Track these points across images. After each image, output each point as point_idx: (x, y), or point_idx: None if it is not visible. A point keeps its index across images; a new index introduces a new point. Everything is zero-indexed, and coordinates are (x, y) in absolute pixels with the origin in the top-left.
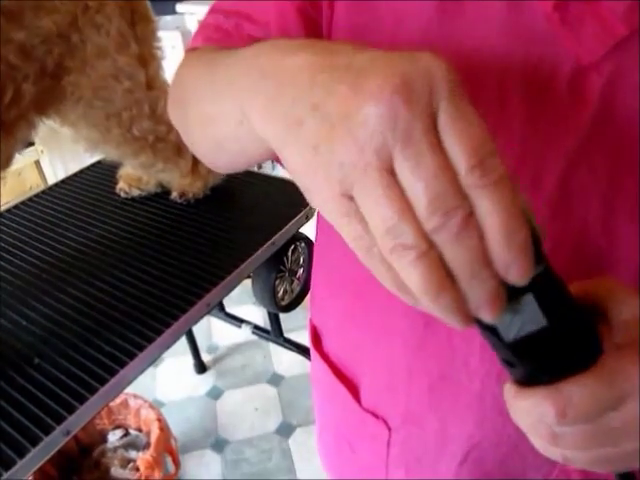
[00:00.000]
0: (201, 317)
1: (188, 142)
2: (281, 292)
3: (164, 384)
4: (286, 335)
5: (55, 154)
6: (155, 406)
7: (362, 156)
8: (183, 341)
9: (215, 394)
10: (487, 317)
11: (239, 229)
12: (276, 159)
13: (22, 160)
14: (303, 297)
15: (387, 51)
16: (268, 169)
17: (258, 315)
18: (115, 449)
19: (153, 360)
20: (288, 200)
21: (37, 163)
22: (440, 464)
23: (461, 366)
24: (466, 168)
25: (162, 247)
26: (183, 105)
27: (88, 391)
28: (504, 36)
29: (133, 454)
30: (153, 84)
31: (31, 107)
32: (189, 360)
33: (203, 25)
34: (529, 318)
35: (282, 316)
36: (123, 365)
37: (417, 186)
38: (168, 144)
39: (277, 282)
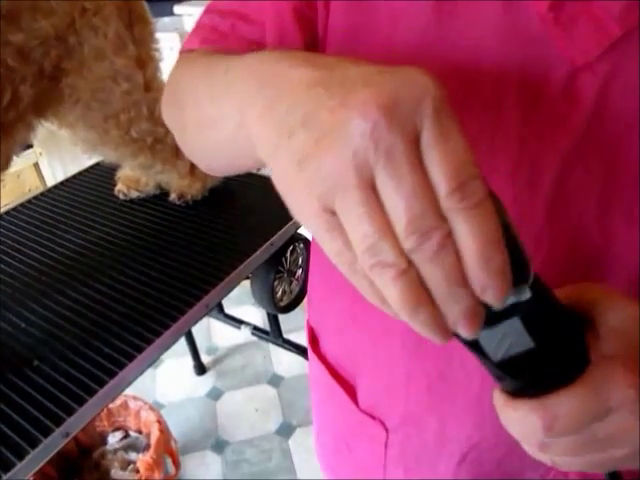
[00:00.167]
0: (200, 318)
1: (182, 144)
2: (280, 293)
3: (164, 385)
4: (285, 336)
5: (54, 156)
6: (155, 408)
7: (344, 172)
8: (183, 342)
9: (215, 395)
10: (464, 334)
11: (238, 230)
12: None
13: (21, 162)
14: (302, 298)
15: (381, 65)
16: (267, 170)
17: (257, 316)
18: (115, 451)
19: (152, 362)
20: None
21: (36, 165)
22: (438, 464)
23: (459, 367)
24: (445, 191)
25: (161, 248)
26: (179, 107)
27: (87, 393)
28: (500, 37)
29: (133, 456)
30: (151, 86)
31: (29, 109)
32: (189, 361)
33: (199, 25)
34: (516, 340)
35: (281, 317)
36: (122, 367)
37: (397, 205)
38: (166, 146)
39: (276, 283)
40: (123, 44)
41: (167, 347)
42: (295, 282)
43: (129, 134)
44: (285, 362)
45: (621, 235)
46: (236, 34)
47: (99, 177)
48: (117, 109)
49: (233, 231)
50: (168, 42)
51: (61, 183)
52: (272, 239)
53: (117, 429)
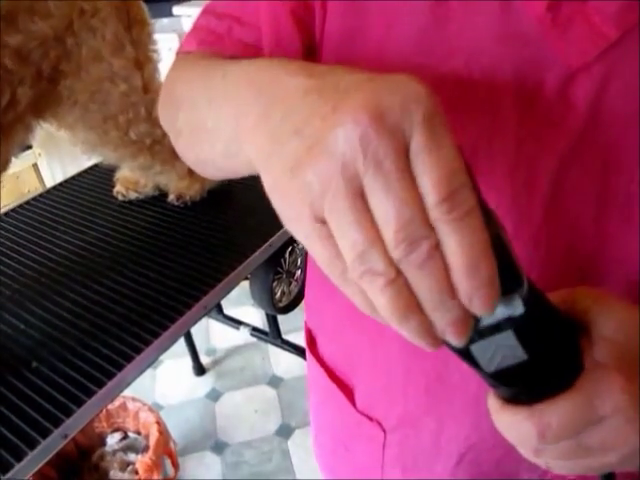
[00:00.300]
0: (199, 319)
1: (177, 147)
2: (279, 294)
3: (163, 387)
4: (284, 336)
5: (53, 157)
6: (154, 409)
7: (333, 179)
8: (182, 343)
9: (214, 396)
10: (453, 342)
11: (236, 231)
12: None
13: (20, 163)
14: (301, 298)
15: (374, 74)
16: None
17: (257, 316)
18: (114, 452)
19: (151, 363)
20: None
21: (35, 166)
22: (436, 465)
23: (456, 368)
24: (433, 201)
25: (159, 250)
26: (175, 110)
27: (86, 394)
28: (496, 39)
29: (132, 457)
30: (149, 87)
31: (28, 111)
32: (188, 362)
33: (196, 27)
34: (510, 353)
35: (280, 317)
36: (120, 368)
37: (386, 213)
38: (165, 147)
39: (275, 284)
40: (121, 45)
41: (166, 348)
42: (294, 283)
43: (128, 135)
44: (284, 363)
45: (617, 236)
46: (232, 37)
47: (98, 178)
48: (115, 110)
49: (232, 232)
50: (167, 43)
51: (60, 184)
52: (271, 240)
53: (116, 430)
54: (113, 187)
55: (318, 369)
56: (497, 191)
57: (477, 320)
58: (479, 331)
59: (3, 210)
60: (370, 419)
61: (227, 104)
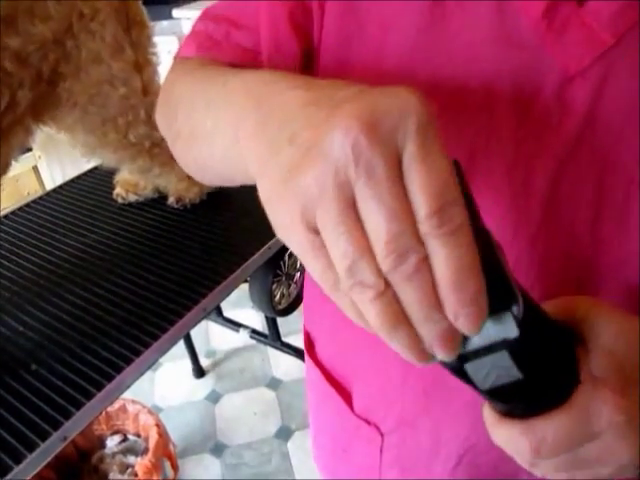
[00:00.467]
0: (198, 322)
1: (174, 152)
2: (278, 296)
3: (163, 389)
4: (284, 339)
5: (53, 160)
6: (153, 411)
7: (324, 187)
8: (181, 345)
9: (214, 398)
10: (440, 356)
11: (235, 233)
12: None
13: (20, 166)
14: (300, 301)
15: (370, 86)
16: None
17: (256, 319)
18: (114, 454)
19: (150, 365)
20: None
21: (35, 169)
22: (434, 467)
23: None
24: (424, 215)
25: (159, 252)
26: (173, 116)
27: (85, 396)
28: (492, 43)
29: (132, 459)
30: (149, 90)
31: (27, 113)
32: (187, 364)
33: (194, 32)
34: (504, 372)
35: (280, 320)
36: (120, 370)
37: (376, 224)
38: (164, 149)
39: (274, 286)
40: (120, 48)
41: (165, 351)
42: (293, 285)
43: (127, 138)
44: (284, 365)
45: (614, 239)
46: (231, 42)
47: (97, 181)
48: (115, 113)
49: (231, 234)
50: (166, 45)
51: (59, 187)
52: (270, 242)
53: (116, 433)
54: (113, 190)
55: (316, 372)
56: (495, 193)
57: (470, 339)
58: (473, 350)
59: (3, 213)
60: (368, 423)
61: (226, 111)
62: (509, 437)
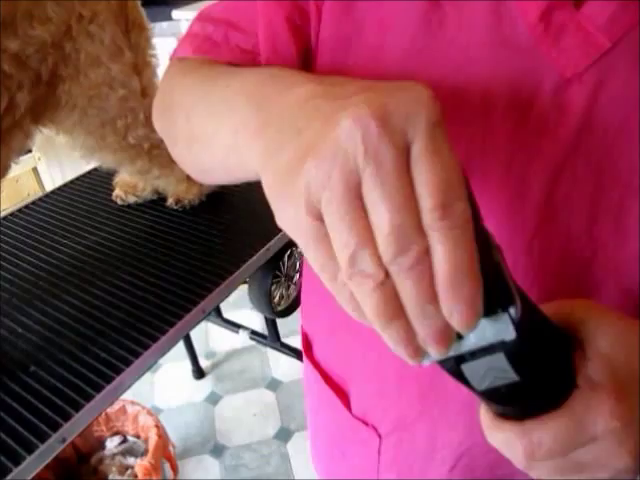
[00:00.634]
0: (197, 323)
1: (173, 152)
2: (277, 297)
3: (162, 390)
4: (283, 340)
5: (52, 161)
6: (153, 412)
7: (331, 175)
8: (181, 347)
9: (213, 399)
10: (432, 352)
11: (234, 235)
12: None
13: (20, 167)
14: (299, 302)
15: (378, 81)
16: None
17: (256, 320)
18: (113, 456)
19: (149, 367)
20: None
21: (34, 170)
22: (431, 469)
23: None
24: (429, 207)
25: (158, 253)
26: (171, 117)
27: (84, 398)
28: (489, 47)
29: (131, 461)
30: (148, 92)
31: (26, 116)
32: (187, 366)
33: (190, 33)
34: (501, 374)
35: (280, 321)
36: (119, 372)
37: (380, 214)
38: (163, 151)
39: (273, 287)
40: (119, 50)
41: (164, 352)
42: (292, 287)
43: (126, 140)
44: (283, 366)
45: (610, 244)
46: (229, 43)
47: (97, 182)
48: (114, 115)
49: (230, 235)
50: (166, 47)
51: (59, 188)
52: (269, 244)
53: (115, 434)
54: (112, 191)
55: (314, 373)
56: (491, 196)
57: (466, 339)
58: (470, 351)
59: (3, 214)
60: (365, 424)
61: (230, 110)
62: (504, 439)
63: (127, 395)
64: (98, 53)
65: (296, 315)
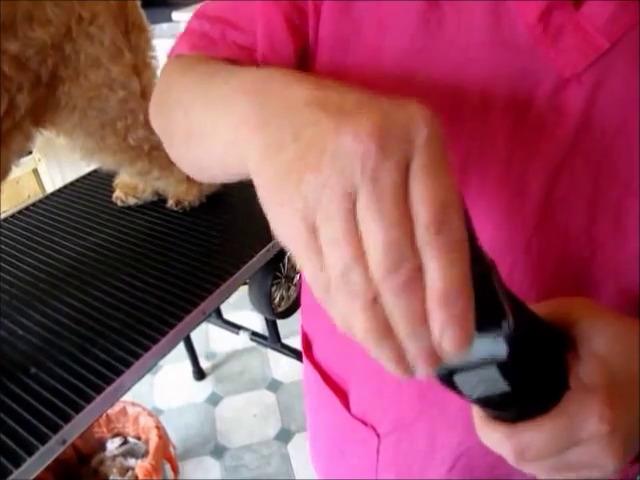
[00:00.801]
0: (197, 325)
1: (170, 151)
2: (277, 298)
3: (163, 391)
4: (284, 341)
5: (53, 162)
6: (154, 413)
7: (327, 190)
8: (181, 348)
9: (214, 400)
10: (421, 371)
11: (235, 236)
12: None
13: (20, 168)
14: (300, 303)
15: (375, 95)
16: None
17: (256, 321)
18: (114, 457)
19: (150, 368)
20: None
21: (35, 171)
22: (430, 469)
23: None
24: (424, 223)
25: (158, 255)
26: (169, 115)
27: (84, 400)
28: (488, 47)
29: (132, 462)
30: (148, 93)
31: (27, 117)
32: (188, 367)
33: (188, 30)
34: (493, 385)
35: (280, 322)
36: (119, 373)
37: (373, 232)
38: (163, 152)
39: (273, 289)
40: (119, 52)
41: (164, 354)
42: (293, 288)
43: (126, 141)
44: (284, 367)
45: (609, 244)
46: (226, 40)
47: (97, 184)
48: (114, 116)
49: (230, 237)
50: (166, 48)
51: (59, 190)
52: (269, 245)
53: (116, 435)
54: (112, 192)
55: (314, 373)
56: (490, 197)
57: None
58: (462, 364)
59: (3, 215)
60: (365, 424)
61: (229, 106)
62: (495, 440)
63: (128, 396)
64: (98, 54)
65: (296, 316)
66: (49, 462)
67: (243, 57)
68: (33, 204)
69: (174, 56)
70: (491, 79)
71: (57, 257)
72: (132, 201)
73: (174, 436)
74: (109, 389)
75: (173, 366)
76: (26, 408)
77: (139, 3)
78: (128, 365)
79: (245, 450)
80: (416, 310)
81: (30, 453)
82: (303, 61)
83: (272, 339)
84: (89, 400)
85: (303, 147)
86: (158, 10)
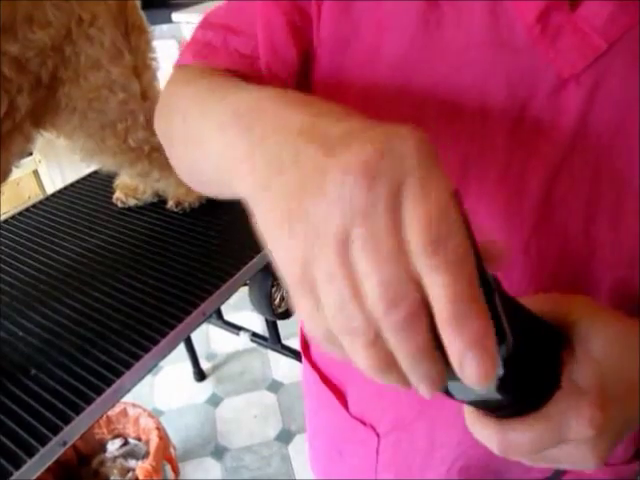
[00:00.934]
0: (198, 326)
1: (170, 160)
2: (278, 299)
3: (163, 392)
4: (284, 341)
5: (53, 164)
6: (154, 414)
7: (321, 230)
8: (182, 349)
9: (214, 401)
10: (424, 395)
11: (235, 237)
12: None
13: (20, 170)
14: None
15: (367, 122)
16: None
17: (257, 322)
18: (114, 458)
19: (150, 369)
20: None
21: (35, 173)
22: (429, 469)
23: None
24: (418, 246)
25: (158, 256)
26: (170, 119)
27: (84, 401)
28: (486, 48)
29: (132, 463)
30: (147, 95)
31: (27, 119)
32: (188, 368)
33: (192, 40)
34: (486, 394)
35: (280, 323)
36: (119, 375)
37: (368, 269)
38: (163, 154)
39: (274, 289)
40: (119, 53)
41: (165, 355)
42: None
43: (126, 143)
44: (284, 368)
45: (608, 244)
46: (228, 47)
47: (97, 185)
48: (114, 118)
49: (230, 237)
50: (166, 49)
51: (59, 191)
52: None
53: (116, 436)
54: (112, 193)
55: (313, 374)
56: (488, 198)
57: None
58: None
59: (3, 217)
60: (364, 423)
61: (220, 130)
62: (482, 434)
63: (128, 397)
64: (98, 56)
65: (296, 317)
66: (49, 463)
67: (244, 65)
68: (33, 205)
69: (178, 66)
70: (490, 80)
71: (57, 258)
72: (132, 202)
73: (174, 437)
74: (109, 390)
75: (173, 367)
76: (26, 409)
77: (139, 4)
78: (128, 366)
79: (245, 451)
80: (419, 345)
81: (30, 454)
82: (307, 64)
83: (272, 340)
84: (89, 401)
85: (290, 184)
86: (158, 11)
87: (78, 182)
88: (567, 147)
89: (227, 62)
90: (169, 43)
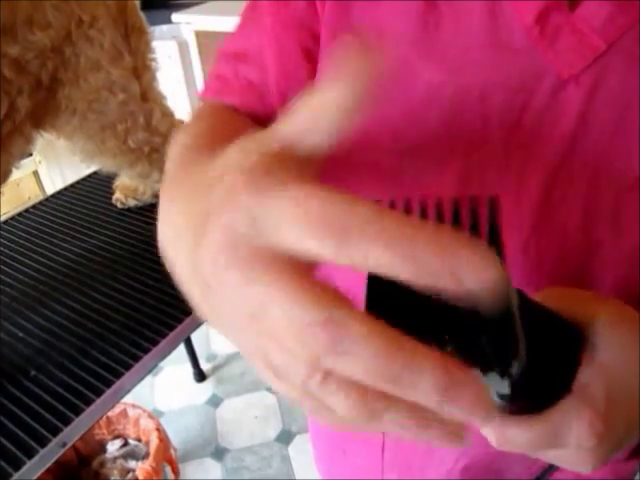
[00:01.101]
0: (197, 327)
1: None
2: None
3: (163, 393)
4: None
5: (53, 164)
6: (154, 415)
7: (237, 308)
8: (182, 350)
9: (215, 402)
10: None
11: None
12: None
13: (20, 170)
14: None
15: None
16: None
17: None
18: (114, 459)
19: (149, 370)
20: None
21: (35, 173)
22: (429, 469)
23: None
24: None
25: (158, 257)
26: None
27: (84, 402)
28: (485, 49)
29: (132, 464)
30: (147, 96)
31: (27, 120)
32: (188, 369)
33: (210, 74)
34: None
35: None
36: (119, 376)
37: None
38: (163, 155)
39: None
40: (119, 54)
41: (164, 355)
42: None
43: (126, 144)
44: None
45: (607, 243)
46: (239, 77)
47: (97, 186)
48: (114, 119)
49: None
50: (166, 50)
51: (59, 192)
52: None
53: (116, 437)
54: (112, 194)
55: None
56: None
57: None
58: None
59: (3, 217)
60: None
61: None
62: (485, 429)
63: (128, 398)
64: (98, 57)
65: None
66: (49, 465)
67: (254, 97)
68: (33, 206)
69: (200, 97)
70: (489, 82)
71: (57, 259)
72: (132, 203)
73: (175, 438)
74: (109, 392)
75: (174, 368)
76: (26, 411)
77: (138, 5)
78: (128, 367)
79: (246, 452)
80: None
81: (30, 456)
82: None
83: None
84: (89, 403)
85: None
86: (158, 12)
87: (78, 183)
88: (566, 147)
89: (237, 94)
90: (169, 44)
